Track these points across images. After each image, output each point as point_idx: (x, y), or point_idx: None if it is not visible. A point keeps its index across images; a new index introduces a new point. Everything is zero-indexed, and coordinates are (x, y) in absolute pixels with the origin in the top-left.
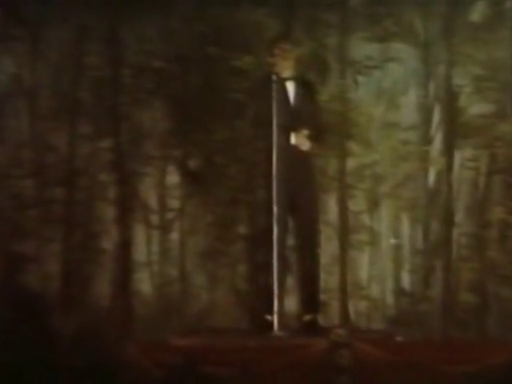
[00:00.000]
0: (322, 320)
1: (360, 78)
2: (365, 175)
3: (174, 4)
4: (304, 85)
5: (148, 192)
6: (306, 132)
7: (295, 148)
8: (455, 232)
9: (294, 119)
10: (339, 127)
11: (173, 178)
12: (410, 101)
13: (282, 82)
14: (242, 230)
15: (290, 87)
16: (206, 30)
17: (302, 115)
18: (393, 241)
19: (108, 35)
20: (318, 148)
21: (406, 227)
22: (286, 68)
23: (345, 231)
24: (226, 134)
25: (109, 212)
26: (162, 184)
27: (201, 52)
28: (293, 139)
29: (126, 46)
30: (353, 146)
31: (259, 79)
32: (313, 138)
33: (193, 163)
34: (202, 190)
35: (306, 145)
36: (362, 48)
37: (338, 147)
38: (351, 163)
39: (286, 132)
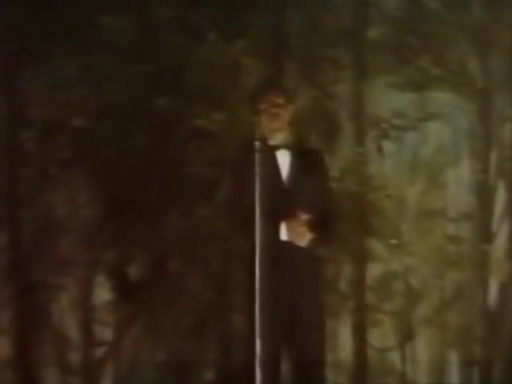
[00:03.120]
0: None
1: (386, 144)
2: (394, 290)
3: (104, 36)
4: (302, 154)
5: (64, 315)
6: (305, 219)
7: (289, 245)
8: None
9: (287, 203)
10: (356, 216)
11: (102, 293)
12: (460, 177)
13: (269, 150)
14: (208, 374)
15: (282, 158)
16: (155, 74)
17: (300, 197)
18: (393, 241)
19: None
20: (324, 245)
21: (455, 371)
22: (275, 130)
23: (363, 377)
24: (183, 226)
25: (1, 346)
26: (86, 303)
27: (146, 105)
28: (285, 232)
29: (29, 95)
30: (376, 245)
31: (235, 146)
32: (316, 228)
33: (133, 271)
34: (147, 312)
35: (304, 239)
36: (389, 99)
37: (355, 246)
38: (373, 271)
39: (274, 222)
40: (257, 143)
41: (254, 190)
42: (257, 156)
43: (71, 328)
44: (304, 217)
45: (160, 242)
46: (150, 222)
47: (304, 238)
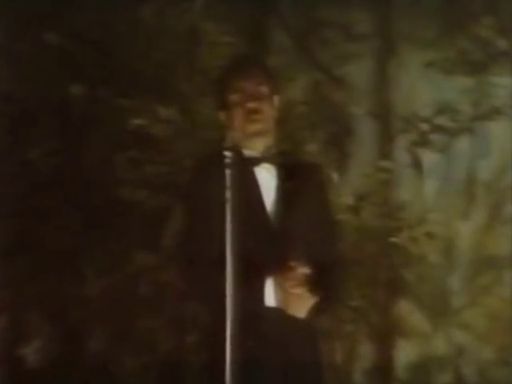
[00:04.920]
0: None
1: (426, 156)
2: (438, 383)
3: None
4: (296, 172)
5: None
6: (303, 273)
7: (277, 314)
8: None
9: (273, 247)
10: (379, 267)
11: None
12: None
13: (245, 164)
14: None
15: (266, 177)
16: (69, 47)
17: (292, 238)
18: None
19: None
20: (330, 313)
21: None
22: (254, 134)
23: None
24: (112, 281)
25: None
26: None
27: (56, 95)
28: (273, 294)
29: None
30: (411, 313)
31: (192, 159)
32: (319, 288)
33: (33, 351)
34: None
35: (303, 305)
36: (429, 87)
37: (377, 314)
38: (407, 353)
39: (255, 277)
40: (227, 154)
41: (222, 227)
42: (227, 174)
43: None
44: (302, 270)
45: (76, 306)
46: (60, 275)
47: (302, 304)
